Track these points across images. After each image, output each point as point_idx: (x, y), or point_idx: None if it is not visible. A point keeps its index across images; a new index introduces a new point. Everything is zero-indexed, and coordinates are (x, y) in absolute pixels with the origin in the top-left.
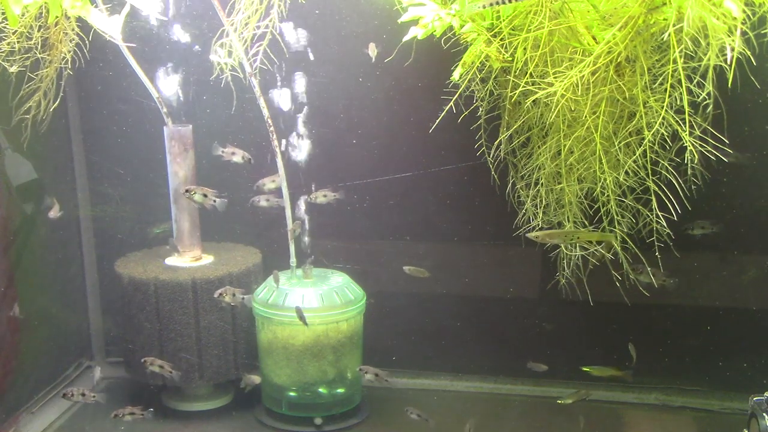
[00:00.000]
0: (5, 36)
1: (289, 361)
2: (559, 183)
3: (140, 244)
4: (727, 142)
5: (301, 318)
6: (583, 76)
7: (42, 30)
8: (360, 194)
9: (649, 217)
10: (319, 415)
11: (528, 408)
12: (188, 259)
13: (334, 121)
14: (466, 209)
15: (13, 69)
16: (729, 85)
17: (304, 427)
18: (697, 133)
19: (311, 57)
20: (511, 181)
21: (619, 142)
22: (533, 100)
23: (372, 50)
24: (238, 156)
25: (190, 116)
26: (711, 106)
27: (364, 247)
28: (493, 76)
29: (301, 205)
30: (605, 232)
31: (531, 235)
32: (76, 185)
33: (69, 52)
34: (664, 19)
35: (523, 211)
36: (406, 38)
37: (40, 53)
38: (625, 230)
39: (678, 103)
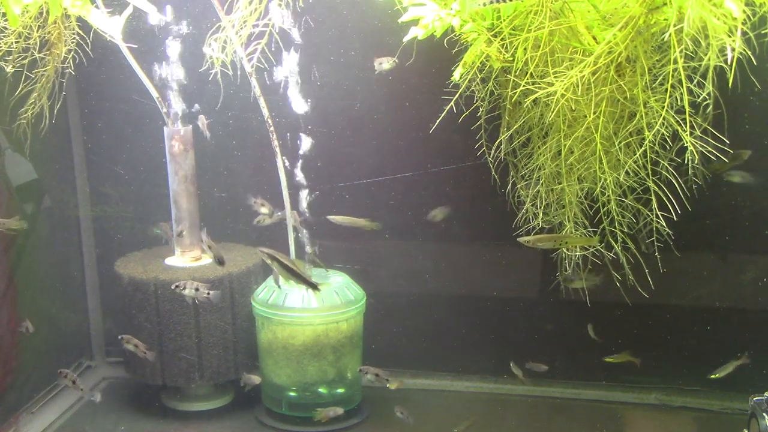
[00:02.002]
0: (5, 35)
1: (289, 361)
2: (560, 183)
3: (140, 244)
4: (727, 142)
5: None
6: (584, 76)
7: (41, 29)
8: (360, 194)
9: (649, 216)
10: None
11: (528, 408)
12: (188, 259)
13: (334, 121)
14: (466, 209)
15: (10, 69)
16: (729, 85)
17: (304, 427)
18: (698, 133)
19: (310, 56)
20: (511, 181)
21: (620, 142)
22: (533, 100)
23: (384, 63)
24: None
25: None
26: (711, 106)
27: (364, 247)
28: (494, 76)
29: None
30: (592, 237)
31: (522, 239)
32: (76, 185)
33: (69, 51)
34: (665, 20)
35: (523, 211)
36: (406, 38)
37: (39, 53)
38: (626, 230)
39: (678, 103)
